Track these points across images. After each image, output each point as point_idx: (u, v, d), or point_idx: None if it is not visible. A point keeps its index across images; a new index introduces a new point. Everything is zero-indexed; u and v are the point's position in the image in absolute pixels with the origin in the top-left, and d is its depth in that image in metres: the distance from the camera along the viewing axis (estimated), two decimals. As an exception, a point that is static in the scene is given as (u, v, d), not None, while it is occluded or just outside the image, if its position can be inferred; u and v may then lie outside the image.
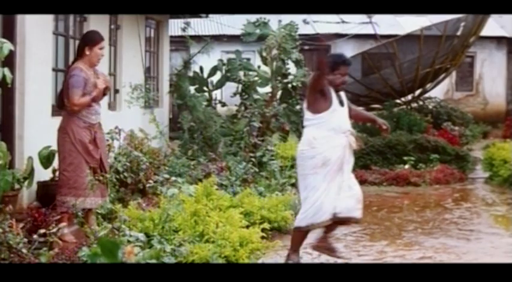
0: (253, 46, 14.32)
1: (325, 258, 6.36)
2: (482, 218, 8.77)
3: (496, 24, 21.11)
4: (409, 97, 15.98)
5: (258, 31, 12.36)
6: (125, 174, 7.46)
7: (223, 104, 12.68)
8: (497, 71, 22.34)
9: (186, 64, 11.94)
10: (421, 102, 16.36)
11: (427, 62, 14.75)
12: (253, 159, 9.38)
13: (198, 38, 13.89)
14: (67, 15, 7.94)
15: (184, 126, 10.75)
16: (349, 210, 5.82)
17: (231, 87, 12.68)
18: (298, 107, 12.18)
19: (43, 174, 6.63)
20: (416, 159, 11.97)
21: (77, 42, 8.33)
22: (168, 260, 5.07)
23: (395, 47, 14.58)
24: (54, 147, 6.27)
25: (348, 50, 19.48)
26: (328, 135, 5.78)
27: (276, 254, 6.32)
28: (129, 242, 5.17)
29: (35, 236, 5.00)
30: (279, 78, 12.10)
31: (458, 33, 15.15)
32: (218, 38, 18.84)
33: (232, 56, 12.92)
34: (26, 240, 4.93)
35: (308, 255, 6.49)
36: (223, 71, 12.36)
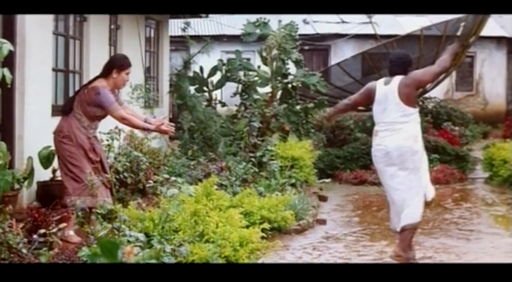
0: (253, 46, 14.32)
1: (325, 258, 6.37)
2: (482, 218, 8.77)
3: (496, 24, 21.11)
4: (409, 97, 15.96)
5: (258, 31, 12.35)
6: (125, 174, 7.47)
7: (223, 104, 12.68)
8: (497, 71, 22.34)
9: (186, 64, 11.94)
10: (421, 102, 16.35)
11: (427, 62, 14.71)
12: (253, 159, 9.38)
13: (198, 38, 13.89)
14: (67, 15, 7.95)
15: (184, 126, 10.75)
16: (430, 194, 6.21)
17: (231, 87, 12.68)
18: (298, 107, 12.19)
19: (43, 174, 6.63)
20: (417, 159, 11.95)
21: (77, 42, 8.39)
22: (168, 260, 5.07)
23: (395, 47, 14.57)
24: (54, 147, 6.26)
25: (348, 50, 19.52)
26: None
27: (276, 254, 6.33)
28: (129, 242, 5.17)
29: (35, 236, 5.00)
30: (279, 78, 12.10)
31: (458, 33, 15.14)
32: (218, 38, 18.83)
33: (232, 56, 12.91)
34: (26, 240, 4.93)
35: (308, 255, 6.50)
36: (223, 71, 12.36)
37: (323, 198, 9.68)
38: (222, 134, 10.87)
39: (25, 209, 6.20)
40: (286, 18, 12.29)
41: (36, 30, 6.82)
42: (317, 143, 11.93)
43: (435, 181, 11.21)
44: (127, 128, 8.32)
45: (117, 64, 6.15)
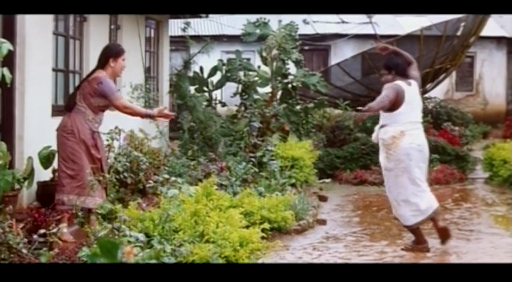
0: (253, 46, 14.31)
1: (325, 258, 6.37)
2: (482, 218, 8.76)
3: (496, 24, 21.11)
4: (409, 97, 15.96)
5: (258, 31, 12.35)
6: (125, 174, 7.47)
7: (223, 104, 12.67)
8: (497, 71, 22.34)
9: (186, 64, 11.93)
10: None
11: (427, 62, 14.74)
12: (253, 160, 9.38)
13: (198, 38, 13.88)
14: (67, 15, 7.94)
15: (184, 126, 10.74)
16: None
17: (231, 87, 12.67)
18: (298, 107, 12.19)
19: (43, 174, 6.63)
20: (416, 159, 11.96)
21: (77, 42, 8.38)
22: (168, 260, 5.07)
23: (395, 47, 14.56)
24: (54, 147, 6.27)
25: (348, 50, 19.51)
26: None
27: (276, 254, 6.32)
28: (129, 242, 5.16)
29: (35, 236, 4.99)
30: (279, 78, 12.10)
31: (458, 33, 15.14)
32: (218, 38, 18.82)
33: (232, 56, 12.90)
34: (26, 240, 4.93)
35: (308, 255, 6.49)
36: (223, 71, 12.35)
37: (323, 198, 9.68)
38: (222, 134, 10.87)
39: (25, 209, 6.20)
40: (286, 18, 12.29)
41: (36, 30, 6.81)
42: (317, 143, 11.93)
43: (435, 181, 11.25)
44: (127, 128, 8.34)
45: (113, 52, 6.23)
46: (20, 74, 6.53)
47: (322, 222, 8.02)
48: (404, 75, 6.71)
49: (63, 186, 5.93)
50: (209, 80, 12.47)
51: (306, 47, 17.48)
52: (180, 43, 15.92)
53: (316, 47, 20.37)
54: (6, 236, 4.76)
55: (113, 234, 5.33)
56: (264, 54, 12.18)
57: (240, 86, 12.14)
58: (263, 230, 6.17)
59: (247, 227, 6.16)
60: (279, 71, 12.10)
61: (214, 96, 12.48)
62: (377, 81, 15.16)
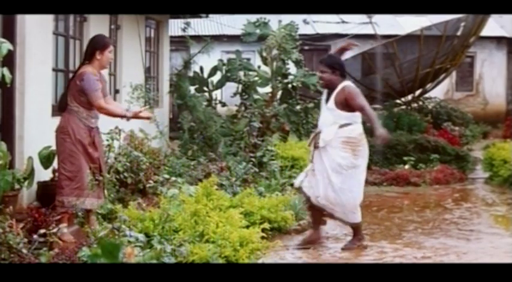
0: (253, 46, 14.31)
1: (325, 258, 6.37)
2: (482, 218, 8.76)
3: (496, 24, 21.10)
4: (409, 97, 15.97)
5: (258, 31, 12.35)
6: (125, 174, 7.46)
7: (223, 104, 12.67)
8: (497, 71, 22.33)
9: (186, 64, 11.94)
10: (421, 102, 16.36)
11: (427, 62, 14.75)
12: (253, 159, 9.38)
13: (198, 38, 13.88)
14: (67, 15, 7.94)
15: (184, 126, 10.74)
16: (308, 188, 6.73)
17: (231, 87, 12.68)
18: (298, 107, 12.18)
19: (43, 174, 6.62)
20: (416, 159, 11.97)
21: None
22: (168, 260, 5.07)
23: (395, 47, 14.58)
24: (54, 147, 6.26)
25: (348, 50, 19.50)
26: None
27: (276, 254, 6.32)
28: (129, 242, 5.16)
29: (35, 236, 4.99)
30: (279, 78, 12.10)
31: (458, 33, 15.14)
32: (218, 38, 18.82)
33: (233, 56, 12.91)
34: (26, 240, 4.93)
35: (308, 255, 6.50)
36: (223, 71, 12.35)
37: (323, 198, 9.67)
38: (222, 134, 10.87)
39: (25, 209, 6.19)
40: (286, 18, 12.29)
41: (36, 30, 6.81)
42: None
43: (435, 181, 11.27)
44: (127, 128, 8.34)
45: (99, 45, 6.13)
46: (20, 74, 6.52)
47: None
48: (344, 76, 6.70)
49: (62, 189, 5.91)
50: (209, 80, 12.48)
51: (306, 47, 17.47)
52: (180, 43, 15.92)
53: (316, 47, 20.36)
54: (6, 236, 4.76)
55: (113, 234, 5.33)
56: (264, 54, 12.18)
57: (240, 86, 12.14)
58: (263, 230, 6.17)
59: (247, 227, 6.17)
60: (279, 71, 12.11)
61: (214, 96, 12.48)
62: (377, 81, 15.23)
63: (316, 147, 6.59)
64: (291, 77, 12.20)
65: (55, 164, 6.36)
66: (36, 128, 6.72)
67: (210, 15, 16.81)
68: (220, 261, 5.37)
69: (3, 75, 4.96)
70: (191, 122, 10.79)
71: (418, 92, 16.05)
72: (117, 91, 9.87)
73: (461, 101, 21.61)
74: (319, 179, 6.62)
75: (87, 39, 8.57)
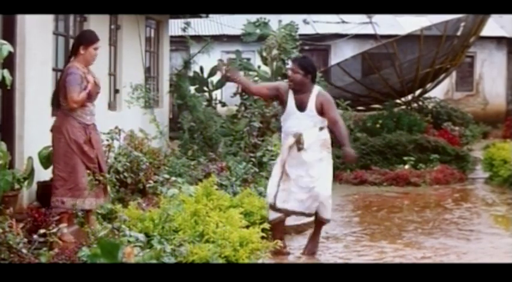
0: (253, 46, 14.32)
1: (325, 258, 6.38)
2: (482, 218, 8.77)
3: (496, 24, 21.09)
4: (409, 97, 15.97)
5: (258, 31, 12.37)
6: (125, 174, 7.46)
7: (223, 104, 12.68)
8: (497, 71, 22.32)
9: (186, 64, 11.95)
10: (421, 102, 16.35)
11: (427, 62, 14.74)
12: (253, 159, 9.38)
13: (198, 38, 13.89)
14: (67, 15, 7.94)
15: (184, 126, 10.74)
16: (282, 202, 6.50)
17: (231, 87, 12.66)
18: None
19: (43, 174, 6.62)
20: (416, 160, 11.97)
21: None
22: (168, 260, 5.07)
23: (395, 47, 14.58)
24: (53, 147, 6.26)
25: (348, 50, 19.50)
26: (282, 137, 6.71)
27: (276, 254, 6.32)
28: (129, 242, 5.16)
29: (35, 236, 4.99)
30: (279, 78, 12.10)
31: (458, 33, 15.14)
32: (218, 38, 18.81)
33: (233, 56, 12.92)
34: (26, 240, 4.93)
35: (308, 255, 6.49)
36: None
37: (323, 198, 9.66)
38: (222, 134, 10.87)
39: (25, 209, 6.19)
40: (286, 18, 12.30)
41: (36, 31, 6.81)
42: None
43: (435, 181, 11.27)
44: (127, 128, 8.35)
45: (83, 40, 6.12)
46: (20, 74, 6.52)
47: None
48: (315, 81, 6.65)
49: (57, 189, 5.89)
50: (209, 80, 12.48)
51: (306, 47, 17.45)
52: (180, 43, 15.91)
53: (316, 47, 20.35)
54: (6, 236, 4.76)
55: (113, 234, 5.33)
56: (264, 54, 12.18)
57: (240, 86, 12.13)
58: (263, 230, 6.17)
59: (247, 227, 6.16)
60: (279, 71, 12.11)
61: (214, 96, 12.49)
62: (377, 81, 15.24)
63: (299, 149, 6.50)
64: (291, 77, 12.19)
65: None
66: (36, 128, 6.72)
67: (210, 15, 16.80)
68: (220, 261, 5.37)
69: (3, 77, 4.96)
70: (191, 122, 10.79)
71: (418, 92, 16.05)
72: (117, 91, 9.87)
73: (461, 101, 21.60)
74: (296, 184, 6.48)
75: (87, 39, 8.58)
